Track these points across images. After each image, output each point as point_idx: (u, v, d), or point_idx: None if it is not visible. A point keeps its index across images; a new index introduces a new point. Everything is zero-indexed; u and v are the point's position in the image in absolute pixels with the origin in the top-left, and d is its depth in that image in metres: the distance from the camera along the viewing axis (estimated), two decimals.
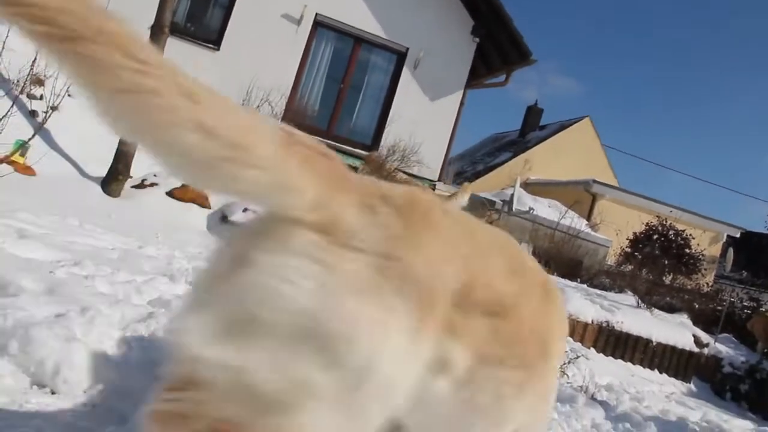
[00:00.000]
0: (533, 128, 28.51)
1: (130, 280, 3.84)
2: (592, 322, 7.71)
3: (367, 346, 0.94)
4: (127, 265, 4.09)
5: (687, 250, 14.21)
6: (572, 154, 24.18)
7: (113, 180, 5.91)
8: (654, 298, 9.73)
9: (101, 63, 0.85)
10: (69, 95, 6.61)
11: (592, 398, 5.16)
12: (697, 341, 8.29)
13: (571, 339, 7.42)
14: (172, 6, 6.36)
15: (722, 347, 8.70)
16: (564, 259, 12.29)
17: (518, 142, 28.04)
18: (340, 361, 0.93)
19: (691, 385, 7.95)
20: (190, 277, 4.48)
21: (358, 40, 13.69)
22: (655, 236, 14.09)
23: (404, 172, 11.57)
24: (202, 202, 6.54)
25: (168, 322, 3.08)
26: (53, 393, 2.33)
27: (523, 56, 13.50)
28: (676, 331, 8.30)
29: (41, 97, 6.27)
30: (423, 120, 13.15)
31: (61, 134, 6.17)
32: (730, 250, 14.89)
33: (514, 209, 15.00)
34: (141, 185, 6.25)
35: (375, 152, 11.27)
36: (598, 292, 9.53)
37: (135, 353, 2.82)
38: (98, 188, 5.88)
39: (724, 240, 21.21)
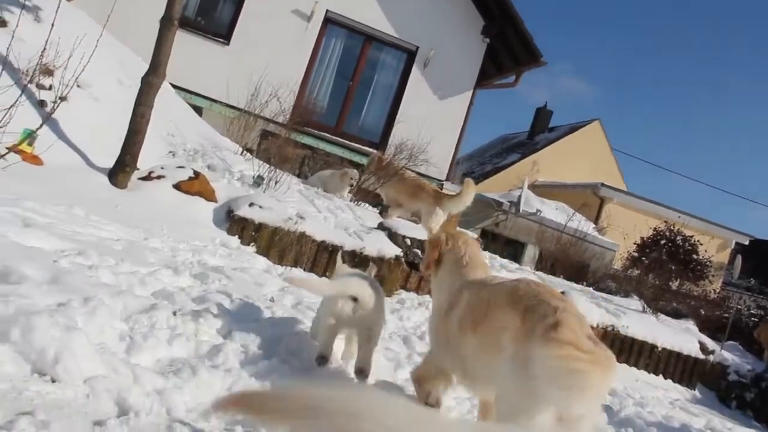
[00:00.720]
0: (542, 130, 28.46)
1: (134, 272, 3.83)
2: (597, 325, 7.66)
3: None
4: (131, 257, 4.07)
5: (695, 256, 14.11)
6: (581, 156, 24.10)
7: (120, 171, 5.88)
8: (660, 303, 9.64)
9: None
10: (78, 86, 6.59)
11: None
12: (703, 348, 8.22)
13: None
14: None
15: (728, 355, 8.62)
16: (571, 262, 12.25)
17: (527, 144, 27.99)
18: None
19: (696, 392, 7.88)
20: (194, 270, 4.46)
21: (368, 37, 13.67)
22: (663, 241, 14.01)
23: (412, 171, 11.53)
24: (209, 196, 6.50)
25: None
26: (53, 381, 2.31)
27: (533, 57, 13.45)
28: (681, 337, 8.23)
29: (50, 87, 6.25)
30: (432, 119, 13.11)
31: (69, 124, 6.15)
32: (739, 258, 14.80)
33: (521, 210, 14.97)
34: (148, 177, 6.21)
35: (381, 151, 11.23)
36: (604, 295, 9.47)
37: (135, 344, 2.80)
38: (105, 179, 5.85)
39: (733, 247, 21.09)
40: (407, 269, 6.77)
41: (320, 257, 6.32)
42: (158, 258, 4.38)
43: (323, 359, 3.21)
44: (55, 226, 4.01)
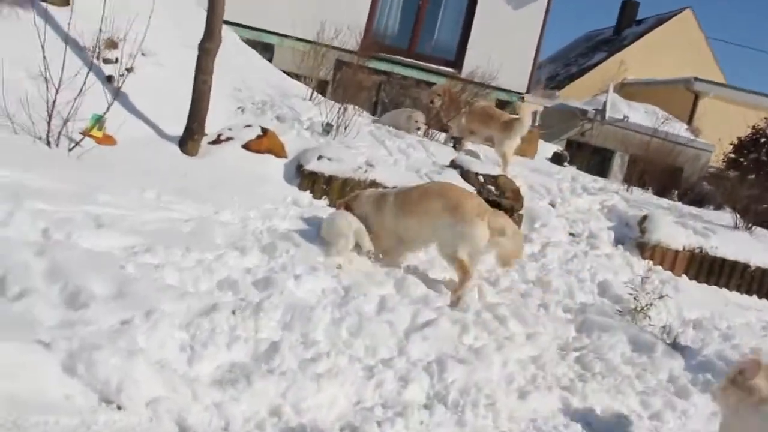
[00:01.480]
0: (629, 24, 26.63)
1: (201, 260, 4.00)
2: (683, 248, 7.36)
3: None
4: (198, 242, 4.23)
5: None
6: (672, 50, 22.38)
7: (189, 139, 6.05)
8: (758, 210, 8.89)
9: None
10: (143, 54, 6.73)
11: (674, 344, 4.95)
12: None
13: (660, 268, 7.12)
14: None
15: None
16: (662, 168, 11.48)
17: (613, 40, 26.34)
18: None
19: None
20: (263, 241, 4.61)
21: None
22: (763, 140, 12.90)
23: (490, 87, 11.18)
24: (278, 152, 6.59)
25: None
26: (119, 408, 2.52)
27: None
28: None
29: (116, 60, 6.42)
30: (507, 31, 12.56)
31: (137, 96, 6.33)
32: None
33: (607, 117, 14.30)
34: (217, 140, 6.36)
35: (451, 80, 10.89)
36: (693, 211, 9.01)
37: (196, 354, 2.98)
38: (176, 148, 6.04)
39: None
40: None
41: None
42: (226, 236, 4.51)
43: None
44: (126, 218, 4.21)
